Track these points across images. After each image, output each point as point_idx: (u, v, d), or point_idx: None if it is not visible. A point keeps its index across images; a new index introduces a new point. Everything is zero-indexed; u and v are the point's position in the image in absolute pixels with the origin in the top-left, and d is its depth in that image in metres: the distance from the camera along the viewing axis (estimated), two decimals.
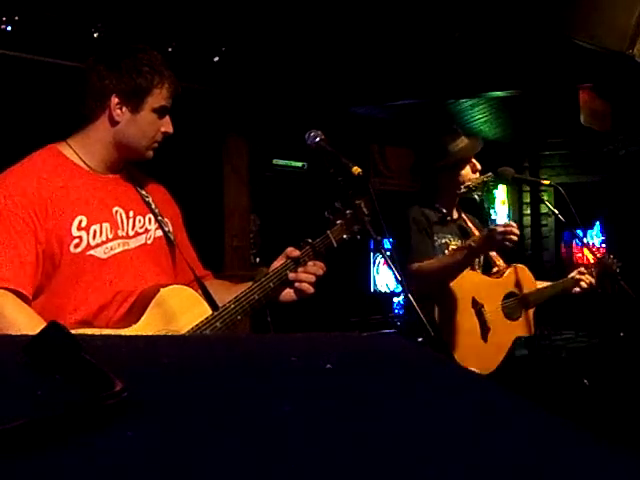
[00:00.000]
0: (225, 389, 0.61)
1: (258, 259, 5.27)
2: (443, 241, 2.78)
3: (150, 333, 1.65)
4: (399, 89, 5.09)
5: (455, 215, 2.94)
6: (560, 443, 0.48)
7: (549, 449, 0.46)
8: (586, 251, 7.16)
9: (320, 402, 0.56)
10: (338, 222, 1.99)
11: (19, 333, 1.48)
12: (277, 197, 5.49)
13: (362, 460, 0.43)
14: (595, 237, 7.52)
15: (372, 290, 6.17)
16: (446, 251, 2.78)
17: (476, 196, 2.89)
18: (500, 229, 2.56)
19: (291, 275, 1.87)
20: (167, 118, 1.83)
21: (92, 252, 1.72)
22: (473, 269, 2.84)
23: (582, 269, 3.12)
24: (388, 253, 2.03)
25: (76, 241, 1.70)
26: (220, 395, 0.58)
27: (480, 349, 2.71)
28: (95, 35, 3.60)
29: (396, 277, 1.90)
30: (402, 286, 1.92)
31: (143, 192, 1.89)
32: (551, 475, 0.42)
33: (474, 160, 2.87)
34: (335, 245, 1.95)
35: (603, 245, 7.45)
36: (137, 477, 0.40)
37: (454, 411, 0.55)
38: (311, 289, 1.88)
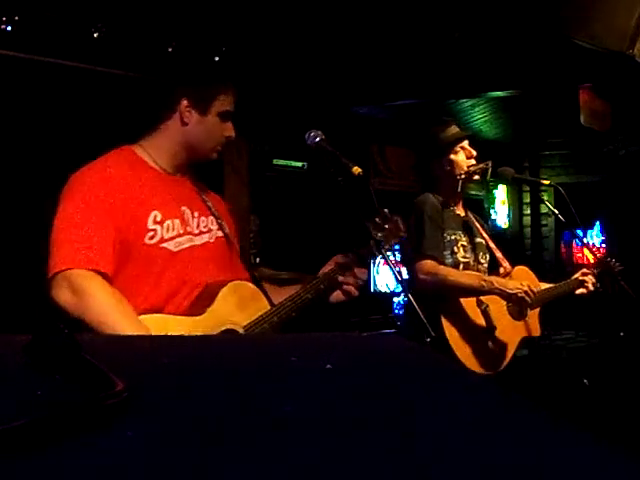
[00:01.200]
0: (225, 389, 0.61)
1: (258, 259, 5.26)
2: (453, 237, 2.79)
3: (215, 323, 1.82)
4: (399, 89, 5.09)
5: (462, 212, 2.94)
6: (560, 443, 0.48)
7: (549, 449, 0.46)
8: (586, 251, 7.16)
9: (320, 402, 0.56)
10: (379, 234, 2.12)
11: (108, 315, 1.66)
12: (277, 197, 5.49)
13: (362, 460, 0.43)
14: (595, 237, 7.52)
15: (372, 290, 6.17)
16: (455, 248, 2.77)
17: (479, 192, 2.91)
18: (525, 288, 2.68)
19: (340, 278, 2.04)
20: (230, 123, 1.99)
21: (165, 245, 1.85)
22: (479, 269, 2.84)
23: (585, 270, 3.12)
24: (388, 253, 2.04)
25: (151, 233, 1.83)
26: (220, 395, 0.58)
27: (488, 347, 2.72)
28: (95, 35, 3.59)
29: (396, 277, 1.90)
30: (402, 286, 1.93)
31: (204, 196, 2.05)
32: (551, 475, 0.42)
33: (467, 147, 2.86)
34: (377, 255, 2.11)
35: (603, 245, 7.45)
36: (137, 477, 0.40)
37: (454, 411, 0.55)
38: (357, 292, 2.06)
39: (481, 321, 2.73)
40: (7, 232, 3.49)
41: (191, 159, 2.01)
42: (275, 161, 5.50)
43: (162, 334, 1.68)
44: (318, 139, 2.03)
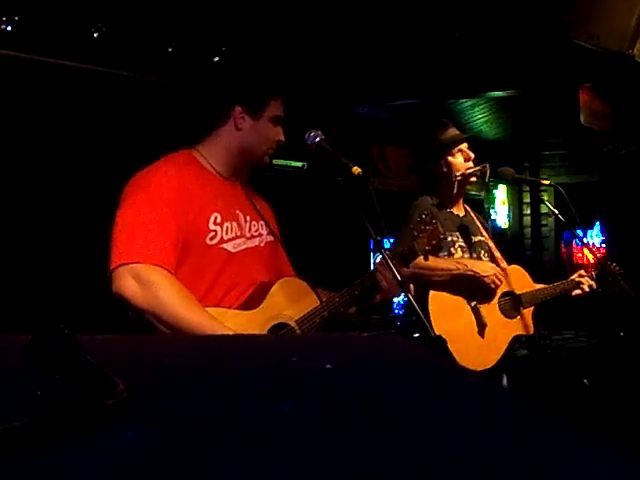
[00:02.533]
0: (225, 389, 0.61)
1: None
2: (450, 239, 2.79)
3: (269, 316, 1.92)
4: (399, 89, 5.08)
5: (461, 212, 2.94)
6: (560, 443, 0.48)
7: (549, 449, 0.46)
8: (586, 251, 7.16)
9: (320, 402, 0.56)
10: (421, 236, 2.23)
11: (179, 309, 1.73)
12: (277, 197, 5.48)
13: (362, 460, 0.43)
14: (595, 237, 7.52)
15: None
16: (452, 249, 2.78)
17: (479, 193, 2.92)
18: (497, 272, 2.73)
19: (379, 276, 2.11)
20: (280, 128, 2.08)
21: (224, 246, 1.94)
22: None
23: (582, 272, 3.11)
24: (388, 253, 2.04)
25: (212, 234, 1.91)
26: (220, 395, 0.58)
27: (477, 345, 2.71)
28: (95, 35, 3.59)
29: (396, 277, 1.89)
30: (402, 286, 1.92)
31: (254, 201, 2.13)
32: (551, 475, 0.42)
33: (465, 149, 2.88)
34: (420, 254, 2.21)
35: (603, 245, 7.45)
36: (137, 477, 0.40)
37: (454, 411, 0.55)
38: (391, 287, 2.11)
39: (471, 317, 2.73)
40: (7, 233, 3.49)
41: (245, 164, 2.08)
42: (275, 161, 5.49)
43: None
44: (318, 139, 2.04)
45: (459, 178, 2.83)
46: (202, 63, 4.11)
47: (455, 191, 2.86)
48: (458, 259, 2.76)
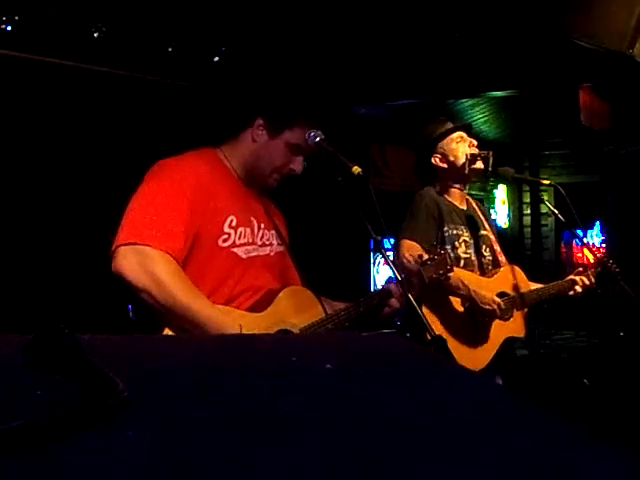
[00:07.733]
0: (225, 389, 0.61)
1: None
2: (454, 232, 2.79)
3: (274, 321, 1.89)
4: (399, 89, 5.09)
5: (465, 206, 2.94)
6: (560, 443, 0.48)
7: (549, 449, 0.46)
8: (586, 251, 7.16)
9: (320, 402, 0.56)
10: (429, 263, 2.22)
11: (177, 297, 1.69)
12: (277, 197, 5.48)
13: (362, 459, 0.43)
14: (595, 237, 7.53)
15: (372, 290, 6.17)
16: (456, 243, 2.77)
17: (479, 192, 2.90)
18: (495, 307, 2.69)
19: (393, 288, 2.10)
20: (299, 158, 2.03)
21: (235, 250, 1.92)
22: (481, 263, 2.84)
23: (580, 269, 3.09)
24: (388, 253, 2.04)
25: (225, 236, 1.90)
26: (220, 395, 0.58)
27: (469, 346, 2.70)
28: (95, 35, 3.59)
29: (396, 277, 1.89)
30: (402, 286, 1.92)
31: (268, 210, 2.13)
32: (551, 475, 0.42)
33: (467, 137, 2.89)
34: (427, 282, 2.21)
35: (603, 245, 7.46)
36: (137, 477, 0.40)
37: (454, 411, 0.55)
38: (400, 305, 2.13)
39: (465, 318, 2.72)
40: (7, 233, 3.50)
41: (251, 176, 2.05)
42: None
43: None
44: (318, 139, 2.03)
45: (469, 157, 2.83)
46: (202, 63, 4.11)
47: (461, 180, 2.87)
48: (464, 280, 2.72)
